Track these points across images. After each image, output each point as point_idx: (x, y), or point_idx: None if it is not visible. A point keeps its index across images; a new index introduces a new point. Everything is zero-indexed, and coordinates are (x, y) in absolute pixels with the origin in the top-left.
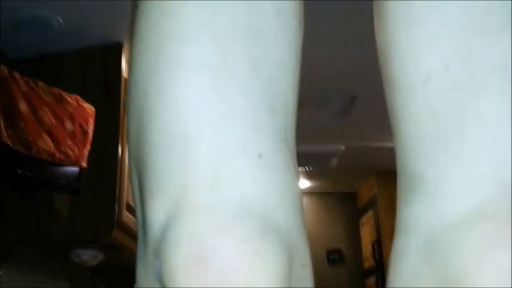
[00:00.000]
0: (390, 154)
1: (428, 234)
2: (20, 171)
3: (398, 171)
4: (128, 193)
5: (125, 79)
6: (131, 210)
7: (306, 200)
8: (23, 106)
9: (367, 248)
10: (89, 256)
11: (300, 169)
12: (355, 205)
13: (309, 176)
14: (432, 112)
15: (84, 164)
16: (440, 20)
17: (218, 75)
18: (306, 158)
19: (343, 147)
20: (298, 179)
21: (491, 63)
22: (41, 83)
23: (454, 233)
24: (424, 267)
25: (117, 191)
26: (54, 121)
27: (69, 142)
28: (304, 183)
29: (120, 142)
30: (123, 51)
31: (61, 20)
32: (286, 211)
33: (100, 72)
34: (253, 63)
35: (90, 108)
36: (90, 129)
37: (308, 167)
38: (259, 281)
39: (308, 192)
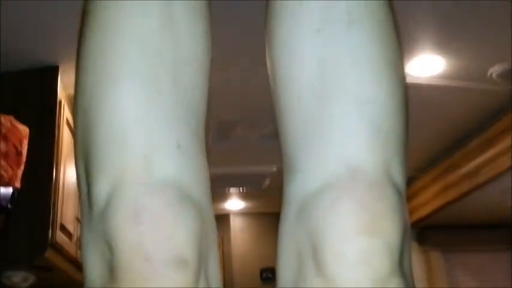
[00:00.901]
0: None
1: (299, 202)
2: None
3: (283, 160)
4: (62, 214)
5: (60, 101)
6: (65, 231)
7: (239, 220)
8: None
9: None
10: (19, 278)
11: (234, 190)
12: None
13: (242, 196)
14: (303, 115)
15: (17, 185)
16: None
17: (148, 85)
18: (239, 179)
19: (275, 168)
20: (206, 164)
21: (342, 83)
22: None
23: (313, 199)
24: (297, 226)
25: (51, 211)
26: None
27: (3, 163)
28: (238, 204)
29: (55, 163)
30: (59, 73)
31: None
32: (198, 185)
33: (35, 94)
34: (174, 76)
35: (24, 129)
36: (24, 150)
37: (241, 188)
38: (181, 233)
39: (241, 213)
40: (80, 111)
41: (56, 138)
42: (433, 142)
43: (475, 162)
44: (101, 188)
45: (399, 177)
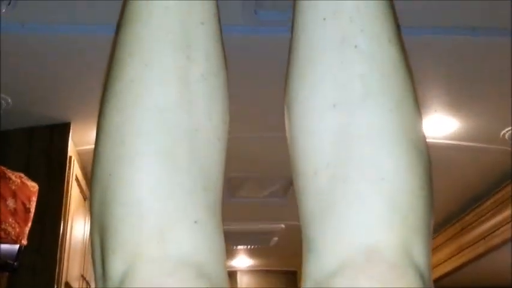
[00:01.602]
0: None
1: (316, 282)
2: None
3: (302, 238)
4: (67, 271)
5: (70, 157)
6: None
7: (247, 278)
8: None
9: None
10: None
11: (241, 247)
12: (296, 283)
13: (250, 253)
14: (319, 190)
15: (24, 242)
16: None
17: (165, 162)
18: (247, 237)
19: (283, 226)
20: (223, 239)
21: (358, 159)
22: None
23: (330, 280)
24: None
25: (57, 269)
26: None
27: (11, 220)
28: (246, 261)
29: (62, 220)
30: (70, 130)
31: (9, 100)
32: (215, 263)
33: (46, 150)
34: (191, 153)
35: (33, 186)
36: (32, 207)
37: (249, 245)
38: None
39: (249, 270)
40: (97, 184)
41: (64, 194)
42: (446, 202)
43: (490, 223)
44: (116, 266)
45: (422, 259)
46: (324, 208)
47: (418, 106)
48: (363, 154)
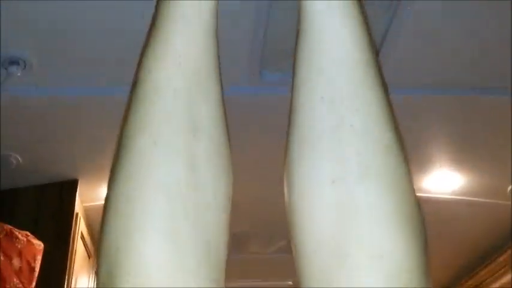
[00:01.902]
0: None
1: None
2: None
3: None
4: None
5: (77, 214)
6: None
7: None
8: None
9: None
10: None
11: None
12: None
13: None
14: (319, 268)
15: None
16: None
17: (172, 239)
18: None
19: (290, 283)
20: None
21: (356, 237)
22: None
23: None
24: None
25: None
26: (2, 258)
27: (15, 280)
28: None
29: (66, 278)
30: (77, 187)
31: (20, 158)
32: None
33: (54, 208)
34: (197, 230)
35: (39, 244)
36: (37, 266)
37: None
38: None
39: None
40: (104, 256)
41: (69, 252)
42: (456, 259)
43: (502, 280)
44: None
45: None
46: (322, 283)
47: (412, 183)
48: (362, 232)
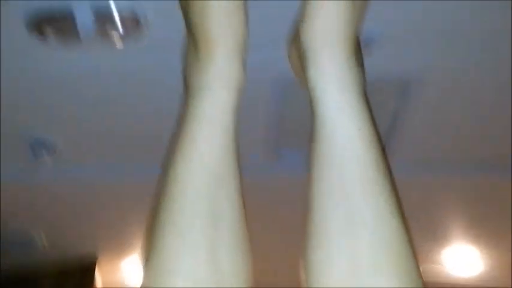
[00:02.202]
0: None
1: None
2: None
3: None
4: None
5: None
6: None
7: None
8: None
9: None
10: None
11: None
12: None
13: None
14: None
15: None
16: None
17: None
18: None
19: None
20: None
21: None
22: None
23: None
24: None
25: None
26: None
27: None
28: None
29: None
30: (96, 266)
31: (45, 243)
32: None
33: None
34: None
35: None
36: None
37: None
38: None
39: None
40: None
41: None
42: None
43: None
44: None
45: None
46: None
47: (421, 275)
48: None
